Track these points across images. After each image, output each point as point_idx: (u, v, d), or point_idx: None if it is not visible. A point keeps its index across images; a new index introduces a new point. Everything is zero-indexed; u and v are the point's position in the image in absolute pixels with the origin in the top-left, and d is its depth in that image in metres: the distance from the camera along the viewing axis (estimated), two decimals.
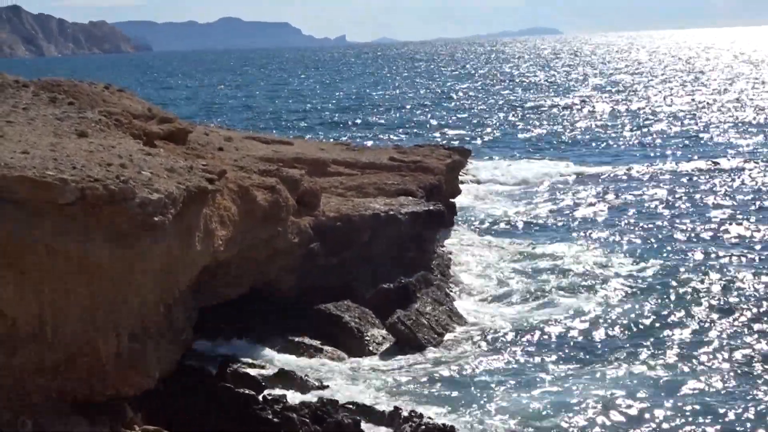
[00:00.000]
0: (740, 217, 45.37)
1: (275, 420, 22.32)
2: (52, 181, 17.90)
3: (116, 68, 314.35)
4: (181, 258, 21.14)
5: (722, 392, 24.85)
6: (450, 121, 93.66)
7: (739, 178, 55.98)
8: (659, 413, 23.59)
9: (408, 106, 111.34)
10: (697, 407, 23.91)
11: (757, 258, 37.86)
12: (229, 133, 39.28)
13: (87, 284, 18.37)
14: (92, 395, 19.10)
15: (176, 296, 22.01)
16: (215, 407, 22.65)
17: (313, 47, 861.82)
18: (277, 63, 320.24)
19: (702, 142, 73.68)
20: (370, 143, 67.70)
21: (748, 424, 22.92)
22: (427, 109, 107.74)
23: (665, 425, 23.07)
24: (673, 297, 33.00)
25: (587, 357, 27.67)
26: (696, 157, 64.85)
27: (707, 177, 56.82)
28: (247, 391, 23.46)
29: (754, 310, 31.14)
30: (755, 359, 26.92)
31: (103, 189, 18.29)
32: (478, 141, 77.12)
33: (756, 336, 28.81)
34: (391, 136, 79.20)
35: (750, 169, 58.73)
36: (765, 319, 30.36)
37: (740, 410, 23.51)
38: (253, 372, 25.68)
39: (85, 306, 18.44)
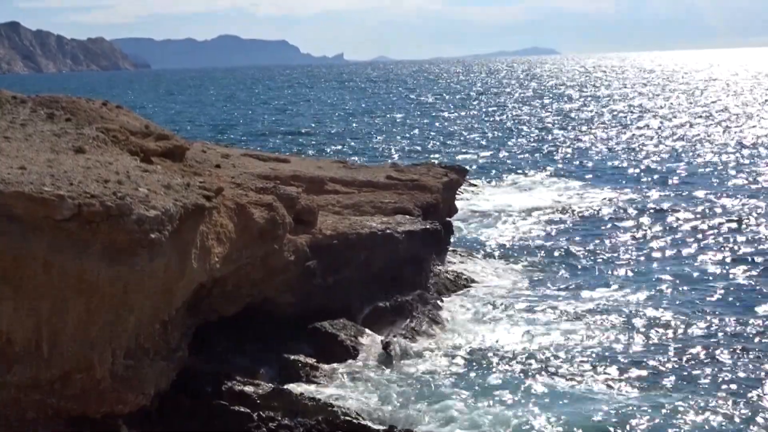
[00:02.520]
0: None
1: None
2: (49, 197, 17.90)
3: (122, 85, 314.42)
4: (177, 275, 21.11)
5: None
6: (446, 141, 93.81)
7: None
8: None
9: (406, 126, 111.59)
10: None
11: None
12: (227, 150, 39.29)
13: (83, 301, 18.34)
14: (87, 412, 19.06)
15: (172, 313, 21.97)
16: (210, 425, 22.60)
17: (312, 65, 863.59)
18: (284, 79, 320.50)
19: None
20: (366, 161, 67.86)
21: None
22: (424, 130, 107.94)
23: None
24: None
25: (587, 380, 27.63)
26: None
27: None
28: (242, 409, 23.41)
29: None
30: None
31: (100, 205, 18.29)
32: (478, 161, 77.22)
33: None
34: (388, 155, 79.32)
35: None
36: None
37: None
38: (248, 390, 25.58)
39: (81, 322, 18.41)
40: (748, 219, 49.48)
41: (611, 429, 23.87)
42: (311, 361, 28.32)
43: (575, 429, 23.82)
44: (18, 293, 17.63)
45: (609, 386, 26.90)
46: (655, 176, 66.61)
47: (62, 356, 18.30)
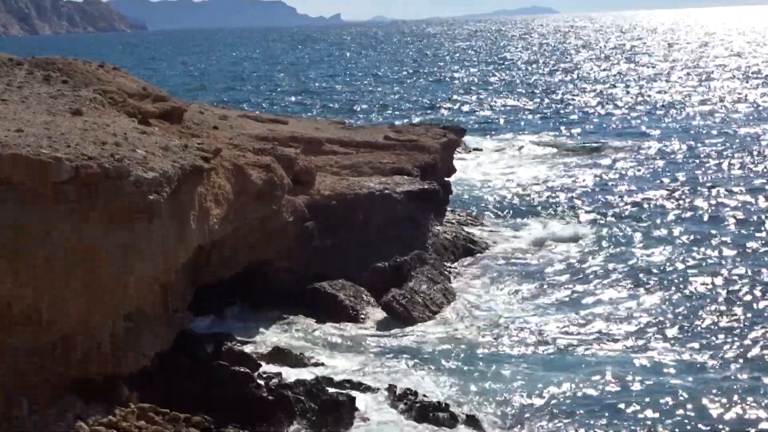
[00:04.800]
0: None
1: (270, 397, 22.37)
2: (46, 159, 17.88)
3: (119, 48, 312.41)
4: (176, 237, 21.13)
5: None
6: (447, 101, 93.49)
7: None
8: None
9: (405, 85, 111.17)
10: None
11: None
12: (224, 112, 39.18)
13: (82, 266, 18.36)
14: (88, 375, 19.13)
15: (171, 276, 22.01)
16: (211, 386, 22.70)
17: (308, 25, 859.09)
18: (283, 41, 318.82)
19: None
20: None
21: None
22: (425, 89, 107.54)
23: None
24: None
25: (579, 342, 27.65)
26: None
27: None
28: (242, 369, 23.50)
29: None
30: None
31: (98, 167, 18.28)
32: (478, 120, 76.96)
33: None
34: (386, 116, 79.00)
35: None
36: None
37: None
38: (248, 350, 25.73)
39: (81, 287, 18.44)
40: None
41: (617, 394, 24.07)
42: (311, 321, 28.43)
43: (562, 393, 24.00)
44: (17, 260, 17.64)
45: (616, 349, 27.04)
46: (657, 132, 66.42)
47: (62, 320, 18.34)
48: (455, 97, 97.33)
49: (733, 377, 24.63)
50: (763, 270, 33.40)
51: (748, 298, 30.57)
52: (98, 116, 23.60)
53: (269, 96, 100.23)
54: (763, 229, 39.23)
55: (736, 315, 29.08)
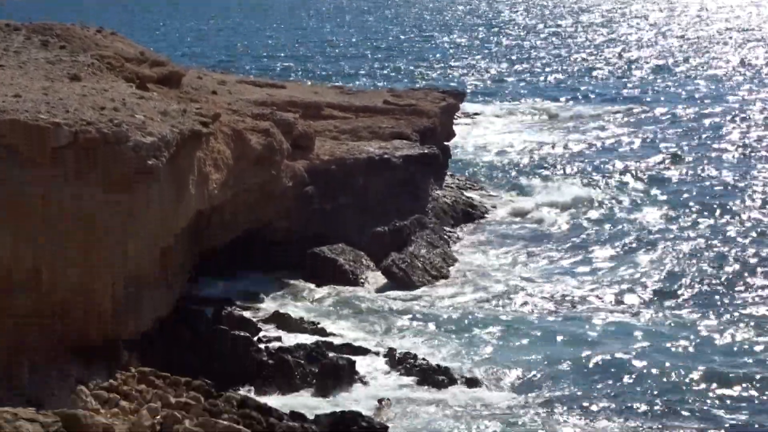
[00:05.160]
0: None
1: (271, 361, 22.47)
2: (45, 124, 17.86)
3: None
4: (175, 202, 21.14)
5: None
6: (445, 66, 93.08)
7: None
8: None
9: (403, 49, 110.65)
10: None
11: None
12: (223, 77, 39.08)
13: (82, 230, 18.39)
14: (88, 338, 19.19)
15: (171, 241, 22.04)
16: (211, 349, 22.79)
17: None
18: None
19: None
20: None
21: None
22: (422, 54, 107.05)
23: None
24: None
25: (577, 305, 27.74)
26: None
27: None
28: (242, 333, 23.59)
29: None
30: None
31: (97, 132, 18.26)
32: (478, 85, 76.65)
33: None
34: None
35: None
36: None
37: None
38: (248, 314, 25.81)
39: (81, 252, 18.47)
40: None
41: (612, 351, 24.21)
42: (311, 285, 28.49)
43: (562, 360, 24.13)
44: (17, 225, 17.65)
45: (615, 311, 27.17)
46: (657, 97, 66.09)
47: (62, 285, 18.38)
48: (455, 61, 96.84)
49: (732, 335, 24.95)
50: (759, 230, 33.78)
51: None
52: (96, 81, 23.55)
53: (264, 61, 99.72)
54: (757, 191, 39.33)
55: (739, 278, 29.38)
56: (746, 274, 29.48)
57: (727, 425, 20.51)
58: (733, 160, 45.20)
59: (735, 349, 24.29)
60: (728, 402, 21.60)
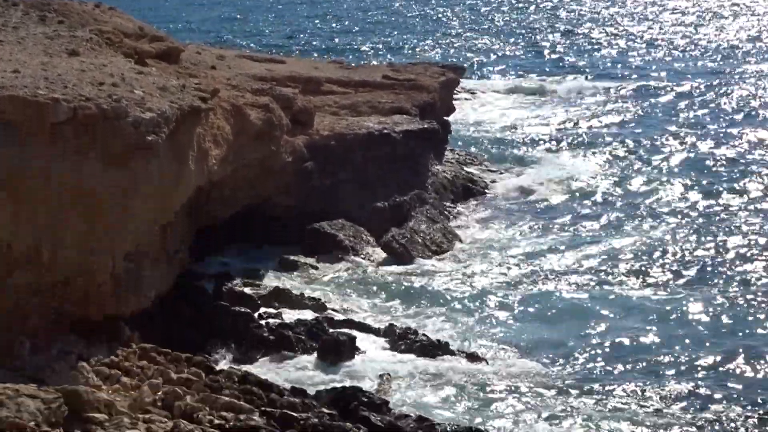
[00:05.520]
0: None
1: (271, 337, 22.50)
2: (44, 100, 17.79)
3: None
4: (175, 178, 21.09)
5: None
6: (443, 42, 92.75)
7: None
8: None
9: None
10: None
11: None
12: (221, 52, 38.89)
13: (82, 207, 18.35)
14: (89, 315, 19.20)
15: (171, 217, 22.00)
16: (212, 326, 22.82)
17: None
18: None
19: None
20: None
21: None
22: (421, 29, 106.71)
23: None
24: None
25: (581, 280, 27.76)
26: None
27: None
28: (243, 310, 23.61)
29: None
30: None
31: (96, 108, 18.19)
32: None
33: None
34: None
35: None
36: None
37: None
38: (248, 291, 25.79)
39: (81, 228, 18.44)
40: None
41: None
42: (311, 261, 28.48)
43: (567, 332, 24.17)
44: (16, 201, 17.61)
45: (621, 285, 27.21)
46: (657, 72, 65.85)
47: (63, 261, 18.36)
48: (454, 37, 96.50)
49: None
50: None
51: None
52: (95, 57, 23.44)
53: (260, 37, 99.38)
54: (761, 161, 39.38)
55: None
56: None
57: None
58: (742, 135, 44.90)
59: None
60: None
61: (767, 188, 36.19)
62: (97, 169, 18.36)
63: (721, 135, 44.89)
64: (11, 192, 17.52)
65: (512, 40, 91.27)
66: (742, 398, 20.63)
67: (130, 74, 21.87)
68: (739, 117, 48.81)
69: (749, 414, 19.91)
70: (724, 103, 52.68)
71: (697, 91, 57.29)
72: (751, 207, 33.84)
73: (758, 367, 22.05)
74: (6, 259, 17.69)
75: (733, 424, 19.50)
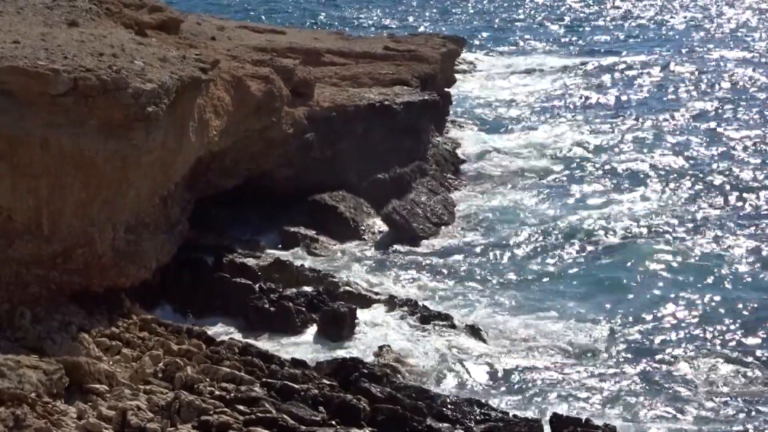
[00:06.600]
0: None
1: (272, 309, 22.51)
2: (44, 71, 17.70)
3: None
4: (175, 149, 21.04)
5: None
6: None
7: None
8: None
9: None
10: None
11: None
12: (222, 23, 38.73)
13: (82, 178, 18.30)
14: (90, 286, 19.22)
15: (171, 188, 21.99)
16: (212, 297, 22.84)
17: None
18: None
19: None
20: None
21: None
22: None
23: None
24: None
25: (582, 248, 27.81)
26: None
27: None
28: (243, 281, 23.61)
29: None
30: None
31: (96, 79, 18.10)
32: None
33: None
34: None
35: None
36: None
37: None
38: (249, 262, 25.76)
39: (81, 199, 18.41)
40: None
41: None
42: (311, 232, 28.44)
43: (568, 309, 24.18)
44: (16, 171, 17.56)
45: (621, 249, 27.24)
46: (661, 49, 65.62)
47: (63, 232, 18.35)
48: (455, 9, 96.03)
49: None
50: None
51: None
52: (95, 27, 23.32)
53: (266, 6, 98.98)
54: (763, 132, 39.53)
55: None
56: None
57: None
58: (742, 108, 44.81)
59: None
60: None
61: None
62: (97, 140, 18.29)
63: (710, 109, 44.95)
64: (11, 162, 17.48)
65: (513, 14, 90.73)
66: None
67: (130, 45, 21.77)
68: (726, 93, 48.68)
69: None
70: (712, 79, 52.43)
71: (697, 67, 56.99)
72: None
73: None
74: (6, 229, 17.68)
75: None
